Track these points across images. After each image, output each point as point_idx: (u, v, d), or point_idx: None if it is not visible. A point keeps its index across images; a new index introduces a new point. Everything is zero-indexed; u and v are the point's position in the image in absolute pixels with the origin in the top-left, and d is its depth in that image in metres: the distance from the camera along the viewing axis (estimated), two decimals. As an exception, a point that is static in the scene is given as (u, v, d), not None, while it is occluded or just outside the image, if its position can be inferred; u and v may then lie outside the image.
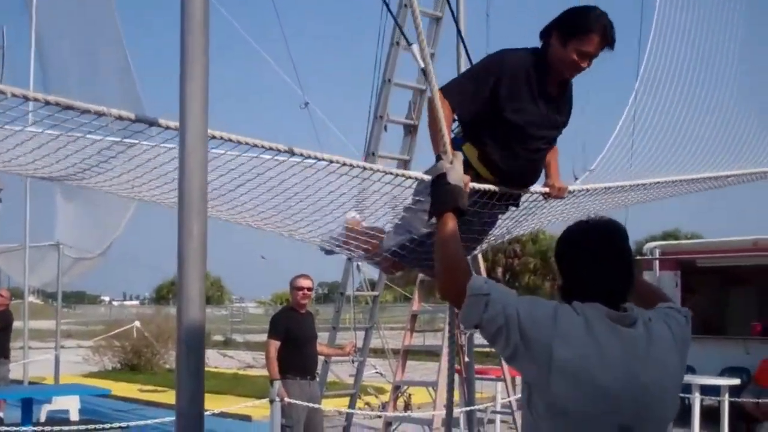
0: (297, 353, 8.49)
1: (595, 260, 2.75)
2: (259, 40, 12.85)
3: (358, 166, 3.87)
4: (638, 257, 17.37)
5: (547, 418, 2.65)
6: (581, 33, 3.81)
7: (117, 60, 12.64)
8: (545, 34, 3.94)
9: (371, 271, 10.82)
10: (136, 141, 3.62)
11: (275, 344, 8.44)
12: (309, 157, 3.67)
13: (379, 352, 17.65)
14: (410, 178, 3.95)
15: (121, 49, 12.62)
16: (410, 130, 9.44)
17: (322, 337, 10.20)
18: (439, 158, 3.05)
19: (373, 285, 10.73)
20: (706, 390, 12.04)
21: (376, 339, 16.08)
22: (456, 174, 2.98)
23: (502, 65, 3.96)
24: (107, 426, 8.11)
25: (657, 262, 14.83)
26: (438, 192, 3.00)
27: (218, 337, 38.42)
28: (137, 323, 23.69)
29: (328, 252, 4.88)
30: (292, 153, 3.61)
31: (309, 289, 8.85)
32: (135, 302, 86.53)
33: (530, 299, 2.78)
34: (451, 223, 2.91)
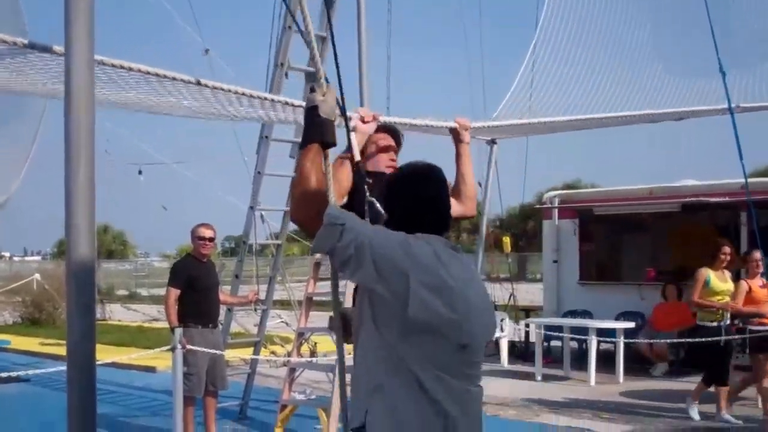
0: (198, 301, 8.42)
1: (432, 199, 3.07)
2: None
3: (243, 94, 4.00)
4: (538, 206, 17.75)
5: (400, 340, 2.82)
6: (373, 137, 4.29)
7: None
8: None
9: (275, 222, 10.81)
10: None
11: (175, 292, 8.35)
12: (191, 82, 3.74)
13: (285, 304, 17.71)
14: (293, 105, 4.01)
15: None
16: (312, 77, 9.39)
17: (227, 288, 10.18)
18: (312, 90, 3.06)
19: (277, 236, 10.70)
20: (602, 333, 12.45)
21: (282, 291, 16.15)
22: (327, 107, 3.02)
23: None
24: (5, 375, 7.92)
25: (556, 210, 15.17)
26: (309, 124, 3.04)
27: (123, 292, 37.89)
28: (37, 276, 23.16)
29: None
30: (174, 78, 3.68)
31: (210, 239, 8.67)
32: (37, 257, 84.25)
33: (381, 229, 2.94)
34: (314, 154, 2.97)
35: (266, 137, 9.68)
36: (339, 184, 3.62)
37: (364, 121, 4.05)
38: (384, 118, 4.92)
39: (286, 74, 9.14)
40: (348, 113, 4.14)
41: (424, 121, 5.15)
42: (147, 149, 26.27)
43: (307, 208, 2.92)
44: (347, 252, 2.77)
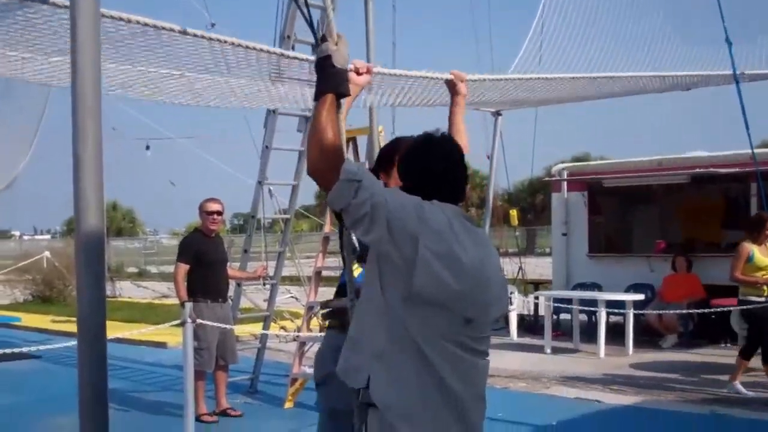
0: (207, 276, 8.45)
1: (447, 168, 3.01)
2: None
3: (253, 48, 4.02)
4: (546, 179, 17.70)
5: (404, 307, 2.78)
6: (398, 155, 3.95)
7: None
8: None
9: (283, 198, 10.80)
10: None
11: (183, 267, 8.39)
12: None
13: (294, 280, 17.74)
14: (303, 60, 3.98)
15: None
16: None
17: (236, 264, 10.21)
18: (324, 39, 2.99)
19: (285, 212, 10.71)
20: (611, 306, 12.44)
21: (292, 267, 16.18)
22: (341, 57, 2.96)
23: None
24: (17, 351, 7.95)
25: (565, 183, 15.12)
26: (322, 74, 2.97)
27: (132, 269, 38.01)
28: (47, 253, 23.23)
29: None
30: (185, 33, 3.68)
31: (218, 213, 8.65)
32: (46, 236, 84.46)
33: (397, 190, 2.91)
34: (330, 105, 2.91)
35: (274, 111, 9.65)
36: None
37: (358, 73, 3.98)
38: (379, 70, 4.90)
39: (293, 47, 9.08)
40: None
41: (420, 72, 5.12)
42: (153, 125, 26.25)
43: (325, 160, 2.84)
44: (362, 210, 2.72)
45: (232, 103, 6.38)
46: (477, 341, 2.93)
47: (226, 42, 4.16)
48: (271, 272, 10.54)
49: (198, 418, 7.90)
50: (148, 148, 20.35)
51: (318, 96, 2.93)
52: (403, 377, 2.79)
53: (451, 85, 4.61)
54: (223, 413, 8.69)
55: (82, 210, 2.68)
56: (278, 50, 4.63)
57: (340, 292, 3.93)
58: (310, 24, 3.23)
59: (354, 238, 3.30)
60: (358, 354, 2.91)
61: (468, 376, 2.90)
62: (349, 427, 3.27)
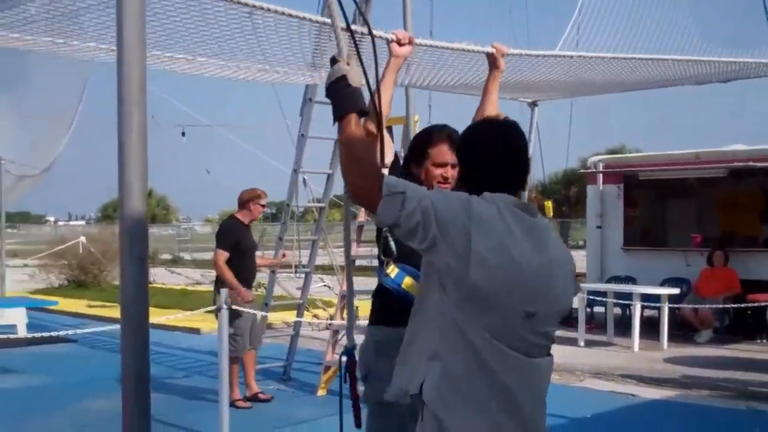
0: (242, 264, 8.57)
1: (506, 155, 2.94)
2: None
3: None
4: (582, 171, 17.59)
5: (460, 305, 2.74)
6: (431, 147, 3.92)
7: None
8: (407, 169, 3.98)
9: (317, 187, 10.85)
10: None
11: (224, 255, 8.44)
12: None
13: (327, 269, 17.80)
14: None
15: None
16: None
17: (269, 253, 10.29)
18: (335, 61, 2.93)
19: (319, 201, 10.75)
20: (646, 299, 12.36)
21: (324, 256, 16.24)
22: (355, 76, 2.91)
23: None
24: (54, 335, 8.06)
25: (600, 175, 15.02)
26: (339, 95, 2.89)
27: (166, 256, 38.33)
28: (83, 238, 23.47)
29: None
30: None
31: (263, 206, 8.97)
32: (81, 222, 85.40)
33: (440, 191, 2.92)
34: (354, 124, 2.85)
35: (310, 99, 9.67)
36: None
37: (400, 44, 3.92)
38: (420, 41, 4.88)
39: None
40: (384, 34, 4.08)
41: (461, 45, 5.12)
42: (191, 112, 26.40)
43: (364, 178, 2.78)
44: (413, 219, 2.67)
45: (272, 76, 6.39)
46: (540, 336, 2.87)
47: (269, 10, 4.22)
48: (304, 260, 10.60)
49: (232, 404, 8.00)
50: (183, 134, 20.50)
51: (340, 117, 2.87)
52: (458, 376, 2.75)
53: (492, 60, 4.65)
54: (254, 397, 8.83)
55: (126, 195, 2.73)
56: (321, 19, 4.64)
57: (379, 292, 3.93)
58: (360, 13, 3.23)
59: (391, 241, 3.28)
60: (409, 361, 2.89)
61: (525, 374, 2.84)
62: (396, 420, 3.26)
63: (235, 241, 8.56)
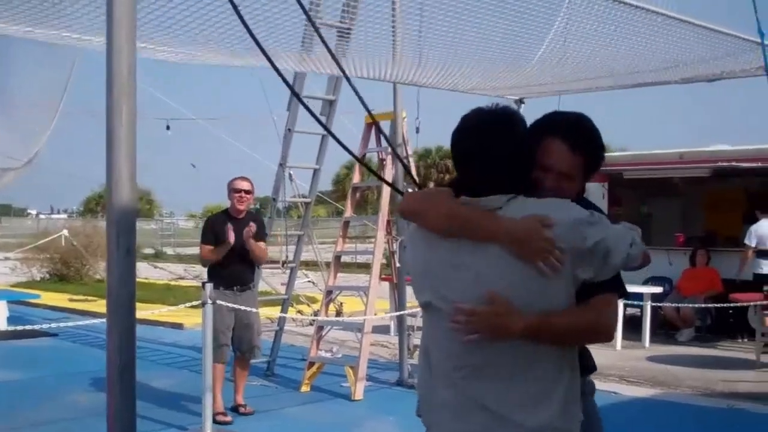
0: (224, 261, 8.00)
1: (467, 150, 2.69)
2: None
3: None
4: (567, 169, 17.56)
5: None
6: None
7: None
8: None
9: (303, 182, 10.81)
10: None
11: (205, 248, 8.11)
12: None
13: (312, 265, 17.76)
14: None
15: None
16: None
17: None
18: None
19: (305, 196, 10.71)
20: (629, 298, 12.39)
21: (309, 252, 16.20)
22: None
23: None
24: (36, 328, 8.00)
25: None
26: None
27: (149, 251, 38.18)
28: (65, 232, 23.29)
29: None
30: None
31: (247, 192, 8.19)
32: (63, 215, 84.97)
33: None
34: None
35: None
36: None
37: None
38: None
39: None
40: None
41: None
42: (175, 105, 26.22)
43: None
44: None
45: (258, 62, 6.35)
46: None
47: None
48: (290, 257, 10.54)
49: (214, 418, 7.52)
50: (168, 128, 20.37)
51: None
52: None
53: None
54: (235, 409, 8.28)
55: (114, 185, 2.71)
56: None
57: None
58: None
59: None
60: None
61: None
62: None
63: (214, 235, 8.09)
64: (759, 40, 6.09)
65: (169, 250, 40.00)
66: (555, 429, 2.60)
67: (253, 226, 8.00)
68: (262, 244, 8.33)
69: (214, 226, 8.22)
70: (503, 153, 2.60)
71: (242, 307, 8.08)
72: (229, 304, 7.91)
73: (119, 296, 2.72)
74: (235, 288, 8.09)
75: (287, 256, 10.49)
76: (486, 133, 2.62)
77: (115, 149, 2.68)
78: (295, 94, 6.37)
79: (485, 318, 2.53)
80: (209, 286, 7.29)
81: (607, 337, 2.74)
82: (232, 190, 8.20)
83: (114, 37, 2.70)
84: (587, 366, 3.03)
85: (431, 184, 54.06)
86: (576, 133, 2.86)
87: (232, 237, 7.87)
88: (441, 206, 2.68)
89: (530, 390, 2.60)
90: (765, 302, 10.16)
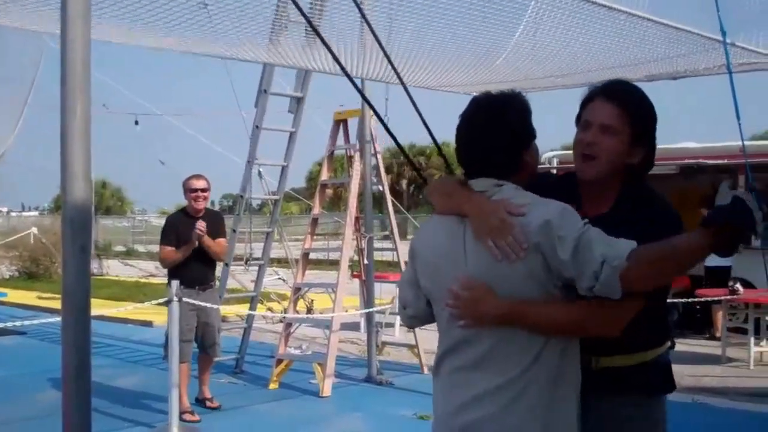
0: (186, 260, 7.92)
1: (457, 133, 2.74)
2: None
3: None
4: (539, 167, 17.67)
5: None
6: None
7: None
8: None
9: (272, 179, 10.80)
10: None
11: (165, 249, 8.03)
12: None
13: (282, 262, 17.73)
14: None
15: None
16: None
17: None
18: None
19: (274, 193, 10.69)
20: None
21: (280, 249, 16.16)
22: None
23: None
24: (3, 326, 7.92)
25: (555, 171, 15.11)
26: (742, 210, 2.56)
27: (120, 248, 37.94)
28: (34, 230, 23.10)
29: None
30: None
31: (203, 191, 8.05)
32: (34, 213, 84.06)
33: None
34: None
35: (265, 91, 9.63)
36: None
37: None
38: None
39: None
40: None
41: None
42: (142, 101, 26.10)
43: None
44: None
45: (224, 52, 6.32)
46: None
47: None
48: (258, 253, 10.51)
49: (181, 416, 7.45)
50: (137, 123, 20.29)
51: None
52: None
53: None
54: (202, 402, 8.27)
55: (68, 181, 2.68)
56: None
57: None
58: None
59: None
60: None
61: None
62: None
63: (175, 236, 7.98)
64: (721, 39, 6.13)
65: (141, 248, 39.74)
66: None
67: (202, 225, 7.88)
68: (222, 240, 8.29)
69: (174, 227, 8.10)
70: (493, 143, 2.64)
71: (204, 304, 8.01)
72: (192, 300, 7.82)
73: (74, 294, 2.70)
74: (196, 287, 8.00)
75: (251, 254, 10.45)
76: (476, 121, 2.69)
77: (69, 145, 2.66)
78: (355, 88, 6.35)
79: (465, 303, 2.58)
80: (175, 284, 7.25)
81: (605, 333, 2.66)
82: (188, 190, 8.08)
83: (68, 29, 2.66)
84: (654, 384, 2.96)
85: (404, 182, 54.28)
86: (615, 86, 2.89)
87: (196, 237, 7.82)
88: (444, 187, 2.82)
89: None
90: (729, 297, 10.24)
